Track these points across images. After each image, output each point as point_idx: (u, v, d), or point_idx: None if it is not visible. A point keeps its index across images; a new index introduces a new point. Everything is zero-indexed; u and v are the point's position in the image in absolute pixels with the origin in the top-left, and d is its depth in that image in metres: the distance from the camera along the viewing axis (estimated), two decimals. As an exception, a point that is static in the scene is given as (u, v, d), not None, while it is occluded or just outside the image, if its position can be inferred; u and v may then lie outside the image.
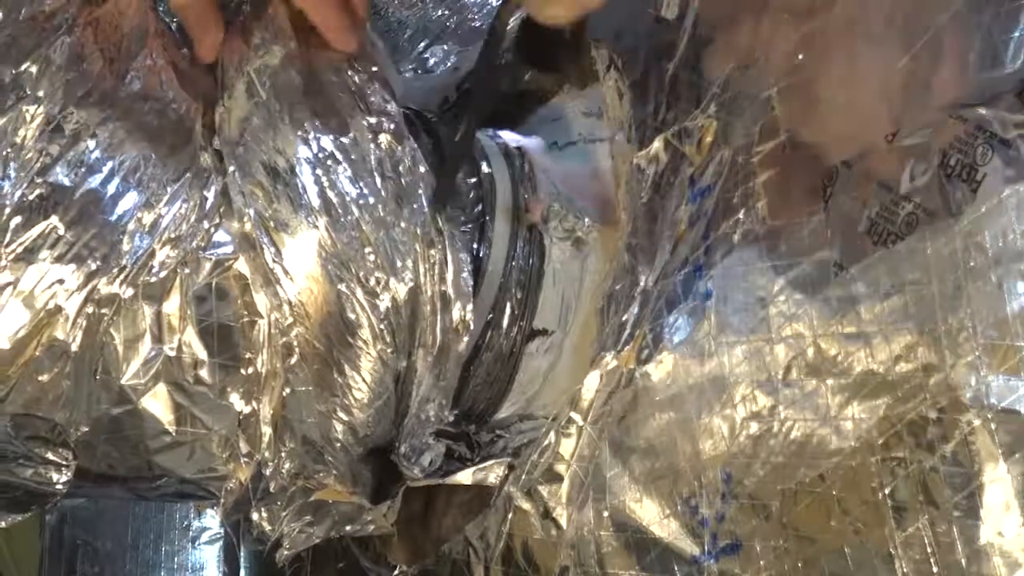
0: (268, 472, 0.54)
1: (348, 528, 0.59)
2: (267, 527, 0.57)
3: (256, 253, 0.51)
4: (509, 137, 0.62)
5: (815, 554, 0.40)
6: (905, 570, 0.37)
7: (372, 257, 0.51)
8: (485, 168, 0.58)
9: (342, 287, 0.51)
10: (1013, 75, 0.36)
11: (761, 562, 0.42)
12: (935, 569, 0.36)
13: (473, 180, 0.57)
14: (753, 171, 0.46)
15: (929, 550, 0.36)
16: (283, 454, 0.54)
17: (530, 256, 0.57)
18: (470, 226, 0.56)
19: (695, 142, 0.50)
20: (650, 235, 0.52)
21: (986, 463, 0.35)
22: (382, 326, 0.51)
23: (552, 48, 0.53)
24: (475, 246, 0.56)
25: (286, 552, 0.58)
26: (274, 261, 0.50)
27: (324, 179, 0.51)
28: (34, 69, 0.47)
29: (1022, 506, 0.34)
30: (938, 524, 0.36)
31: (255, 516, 0.56)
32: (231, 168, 0.51)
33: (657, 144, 0.53)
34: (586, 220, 0.59)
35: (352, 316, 0.51)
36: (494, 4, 0.80)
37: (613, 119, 0.58)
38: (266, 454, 0.53)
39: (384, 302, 0.51)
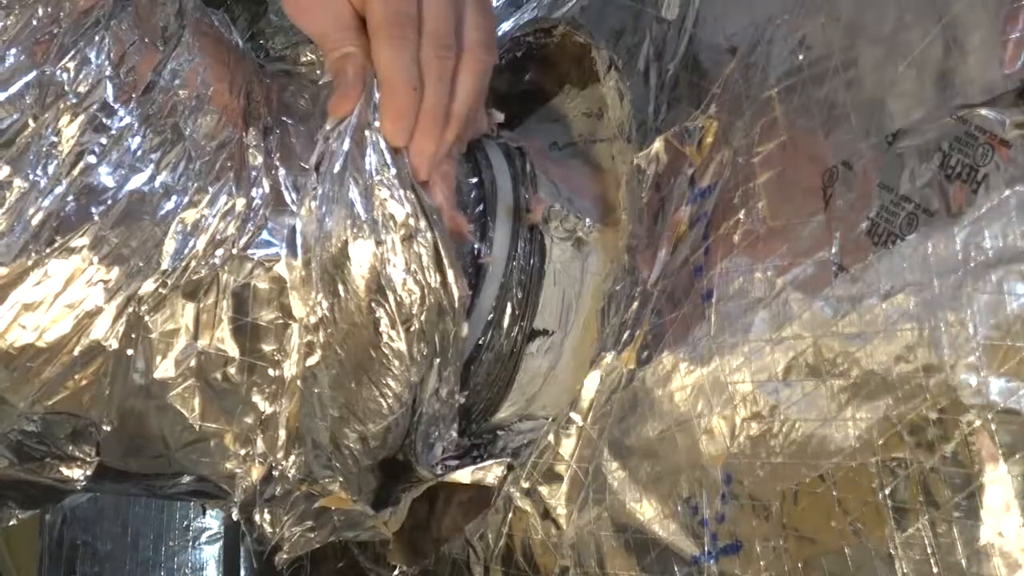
0: (276, 474, 0.54)
1: (348, 534, 0.58)
2: (268, 529, 0.56)
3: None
4: (509, 137, 0.62)
5: (815, 554, 0.40)
6: (905, 571, 0.37)
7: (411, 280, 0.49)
8: (486, 168, 0.58)
9: (377, 311, 0.50)
10: (1013, 75, 0.36)
11: (761, 562, 0.42)
12: (935, 570, 0.36)
13: (474, 180, 0.57)
14: (753, 171, 0.46)
15: (929, 551, 0.36)
16: (292, 457, 0.53)
17: (531, 256, 0.57)
18: (471, 226, 0.56)
19: (695, 142, 0.50)
20: (650, 235, 0.52)
21: (986, 463, 0.35)
22: (410, 348, 0.50)
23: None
24: (476, 246, 0.56)
25: (285, 556, 0.57)
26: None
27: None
28: (72, 66, 0.46)
29: (1022, 507, 0.34)
30: (938, 525, 0.36)
31: (258, 518, 0.56)
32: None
33: (657, 144, 0.53)
34: (587, 220, 0.59)
35: (382, 334, 0.50)
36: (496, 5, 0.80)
37: (613, 119, 0.58)
38: (278, 456, 0.53)
39: (415, 325, 0.50)
